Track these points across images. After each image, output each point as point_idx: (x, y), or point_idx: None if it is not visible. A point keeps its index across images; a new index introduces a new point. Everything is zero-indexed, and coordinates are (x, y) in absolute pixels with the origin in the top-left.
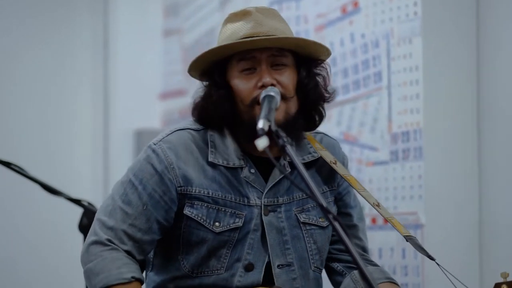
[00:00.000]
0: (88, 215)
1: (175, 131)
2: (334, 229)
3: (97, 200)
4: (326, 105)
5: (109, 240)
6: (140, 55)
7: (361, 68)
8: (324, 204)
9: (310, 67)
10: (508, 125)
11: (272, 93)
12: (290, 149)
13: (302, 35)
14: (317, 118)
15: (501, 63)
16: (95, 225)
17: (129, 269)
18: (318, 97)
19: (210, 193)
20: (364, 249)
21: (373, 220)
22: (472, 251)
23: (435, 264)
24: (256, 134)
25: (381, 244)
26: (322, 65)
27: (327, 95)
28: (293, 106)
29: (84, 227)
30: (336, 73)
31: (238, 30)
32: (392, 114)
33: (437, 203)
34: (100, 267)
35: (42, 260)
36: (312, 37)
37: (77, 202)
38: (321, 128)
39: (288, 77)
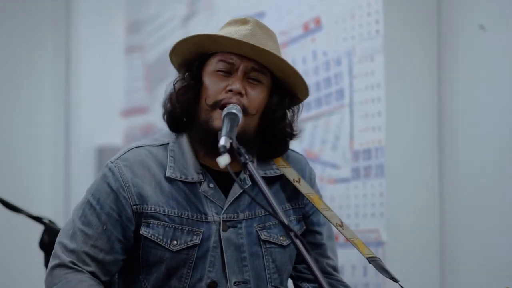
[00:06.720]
0: (49, 232)
1: (132, 148)
2: (296, 247)
3: (58, 217)
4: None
5: (73, 263)
6: (102, 72)
7: (323, 85)
8: (286, 221)
9: (284, 97)
10: (469, 142)
11: (234, 111)
12: (252, 167)
13: None
14: (279, 148)
15: (462, 81)
16: (57, 249)
17: None
18: (282, 128)
19: (166, 211)
20: (334, 268)
21: (336, 238)
22: (433, 269)
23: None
24: (207, 141)
25: (342, 262)
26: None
27: (290, 131)
28: (251, 123)
29: (44, 245)
30: None
31: (231, 33)
32: (354, 132)
33: (398, 221)
34: None
35: (1, 278)
36: None
37: (38, 219)
38: None
39: (258, 94)
